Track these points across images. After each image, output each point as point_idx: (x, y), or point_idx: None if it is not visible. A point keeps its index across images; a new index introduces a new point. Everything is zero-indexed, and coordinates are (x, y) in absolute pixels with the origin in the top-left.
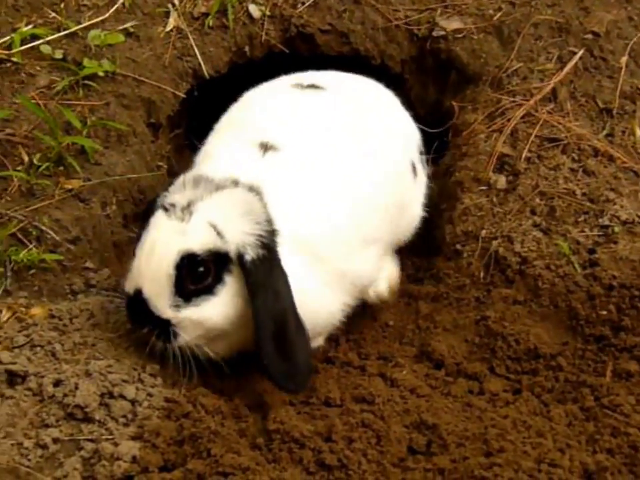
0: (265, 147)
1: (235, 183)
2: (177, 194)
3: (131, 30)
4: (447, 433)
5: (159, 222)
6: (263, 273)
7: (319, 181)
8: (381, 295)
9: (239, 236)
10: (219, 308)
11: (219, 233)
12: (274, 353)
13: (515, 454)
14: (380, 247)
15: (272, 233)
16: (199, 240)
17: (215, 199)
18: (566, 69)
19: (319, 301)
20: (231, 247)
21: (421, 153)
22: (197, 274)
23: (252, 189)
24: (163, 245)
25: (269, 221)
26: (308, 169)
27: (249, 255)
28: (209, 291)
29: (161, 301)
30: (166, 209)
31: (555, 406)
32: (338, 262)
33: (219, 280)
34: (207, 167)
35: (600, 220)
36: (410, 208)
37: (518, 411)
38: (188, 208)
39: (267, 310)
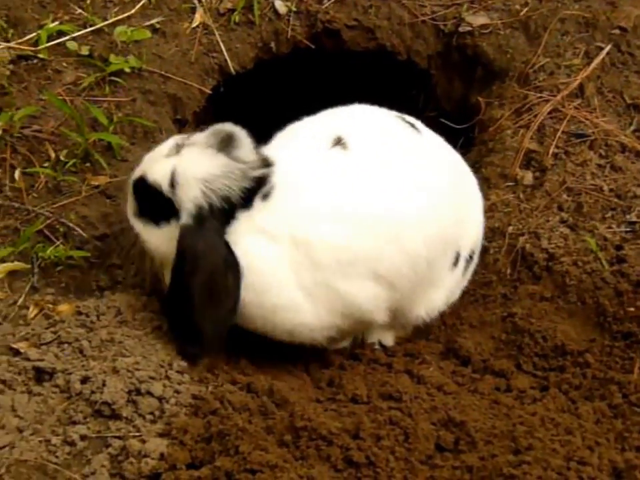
0: (338, 141)
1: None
2: (196, 134)
3: (157, 26)
4: (474, 430)
5: (163, 145)
6: (196, 238)
7: (359, 194)
8: (386, 345)
9: (194, 194)
10: (155, 240)
11: (176, 183)
12: (175, 312)
13: (543, 452)
14: (389, 295)
15: (231, 207)
16: (159, 174)
17: (208, 153)
18: (593, 65)
19: (292, 310)
20: (182, 199)
21: (469, 259)
22: (147, 202)
23: (267, 163)
24: (143, 162)
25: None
26: (357, 177)
27: (189, 217)
28: (153, 221)
29: (129, 209)
30: (176, 142)
31: (582, 403)
32: (333, 277)
33: (163, 217)
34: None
35: (627, 216)
36: (434, 289)
37: (546, 408)
38: (182, 147)
39: (183, 272)
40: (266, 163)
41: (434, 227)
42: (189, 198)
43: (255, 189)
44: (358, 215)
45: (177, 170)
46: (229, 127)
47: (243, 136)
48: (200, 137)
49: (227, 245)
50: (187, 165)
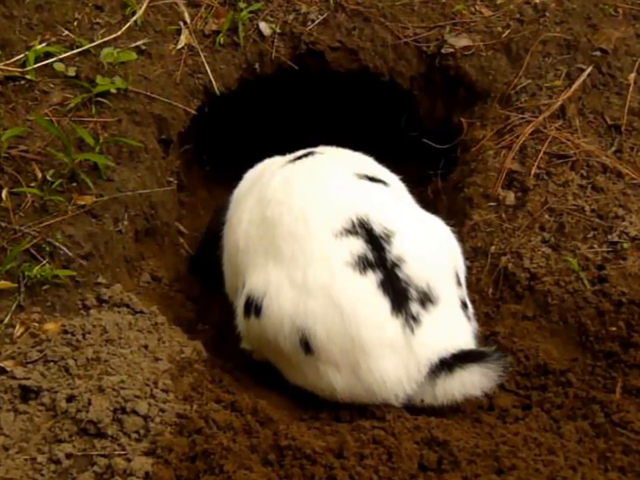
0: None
1: None
2: None
3: (143, 47)
4: (457, 449)
5: None
6: None
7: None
8: None
9: None
10: None
11: None
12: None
13: (526, 472)
14: None
15: None
16: None
17: None
18: (574, 86)
19: None
20: None
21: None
22: None
23: None
24: None
25: None
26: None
27: None
28: None
29: None
30: None
31: (565, 422)
32: None
33: None
34: None
35: (609, 236)
36: None
37: (528, 428)
38: None
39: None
40: None
41: None
42: None
43: None
44: None
45: None
46: None
47: None
48: None
49: None
50: None
